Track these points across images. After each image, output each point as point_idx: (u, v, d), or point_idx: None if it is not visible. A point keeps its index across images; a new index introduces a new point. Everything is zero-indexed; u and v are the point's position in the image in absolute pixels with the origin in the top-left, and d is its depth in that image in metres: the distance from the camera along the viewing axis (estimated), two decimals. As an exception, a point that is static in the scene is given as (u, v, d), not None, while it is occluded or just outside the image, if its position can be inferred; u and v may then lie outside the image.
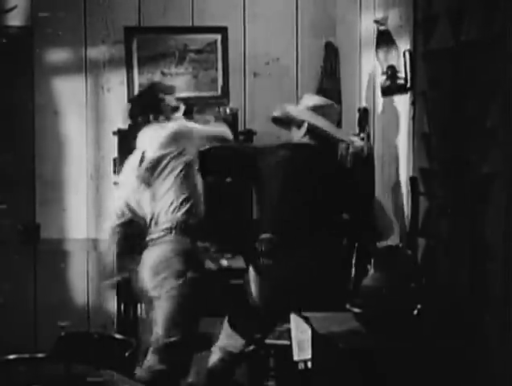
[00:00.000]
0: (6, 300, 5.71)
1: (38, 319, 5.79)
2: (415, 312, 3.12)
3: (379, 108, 4.72)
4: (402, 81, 4.14)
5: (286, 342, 4.22)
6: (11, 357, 3.69)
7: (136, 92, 5.67)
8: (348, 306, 3.29)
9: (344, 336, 3.21)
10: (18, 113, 5.76)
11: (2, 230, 5.73)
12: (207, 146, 4.63)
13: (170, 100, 4.80)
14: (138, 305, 5.38)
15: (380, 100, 4.66)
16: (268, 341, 4.47)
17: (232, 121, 5.53)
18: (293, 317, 3.93)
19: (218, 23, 5.77)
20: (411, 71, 4.02)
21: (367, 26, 4.93)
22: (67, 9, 5.74)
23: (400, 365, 3.05)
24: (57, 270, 5.80)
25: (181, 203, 4.44)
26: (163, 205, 4.45)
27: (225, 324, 4.35)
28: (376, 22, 4.51)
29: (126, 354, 3.58)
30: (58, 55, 5.80)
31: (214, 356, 4.34)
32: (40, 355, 3.71)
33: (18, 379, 3.72)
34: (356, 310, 3.25)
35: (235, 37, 5.80)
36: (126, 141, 5.24)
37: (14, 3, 5.62)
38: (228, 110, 5.58)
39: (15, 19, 5.72)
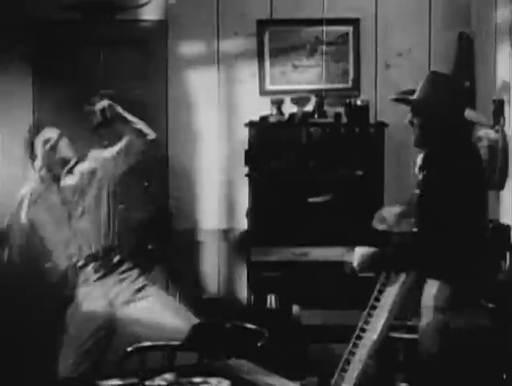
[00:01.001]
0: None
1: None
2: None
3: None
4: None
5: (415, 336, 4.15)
6: (146, 344, 3.77)
7: (268, 84, 5.71)
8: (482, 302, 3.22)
9: (471, 331, 3.14)
10: (152, 106, 5.87)
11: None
12: None
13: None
14: (268, 297, 5.42)
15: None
16: (397, 335, 4.42)
17: (362, 113, 5.51)
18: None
19: (350, 15, 5.74)
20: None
21: (503, 14, 4.80)
22: (200, 2, 5.83)
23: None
24: (189, 261, 5.89)
25: None
26: None
27: None
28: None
29: (258, 344, 3.61)
30: (191, 48, 5.88)
31: None
32: (174, 343, 3.76)
33: (152, 366, 3.79)
34: (490, 305, 3.17)
35: (367, 28, 5.76)
36: (258, 133, 5.29)
37: (148, -2, 5.73)
38: (359, 102, 5.55)
39: (150, 13, 5.84)
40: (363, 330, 3.65)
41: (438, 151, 3.69)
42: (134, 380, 3.10)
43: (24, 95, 5.87)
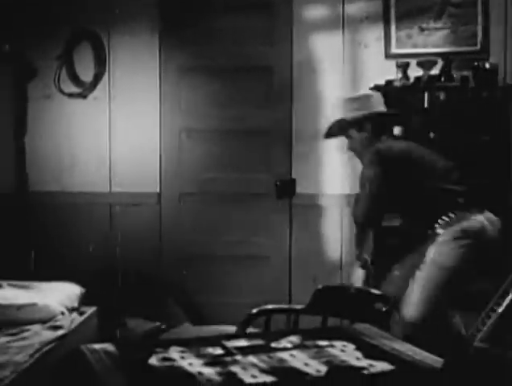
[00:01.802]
0: (266, 252, 5.94)
1: (292, 271, 5.94)
2: None
3: None
4: None
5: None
6: (270, 307, 3.81)
7: (393, 47, 5.64)
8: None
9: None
10: (277, 70, 5.89)
11: (261, 184, 5.93)
12: None
13: None
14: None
15: None
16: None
17: (491, 76, 5.38)
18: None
19: (479, -25, 5.60)
20: None
21: None
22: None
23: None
24: (311, 225, 5.92)
25: None
26: None
27: None
28: None
29: (383, 309, 3.60)
30: (316, 11, 5.85)
31: None
32: (298, 307, 3.80)
33: (276, 328, 3.84)
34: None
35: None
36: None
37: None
38: (487, 65, 5.41)
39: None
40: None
41: None
42: (260, 342, 3.15)
43: (151, 60, 5.99)
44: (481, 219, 4.40)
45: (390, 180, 4.45)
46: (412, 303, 4.31)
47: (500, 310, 3.39)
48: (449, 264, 4.31)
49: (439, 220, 4.39)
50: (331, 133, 4.89)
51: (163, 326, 5.50)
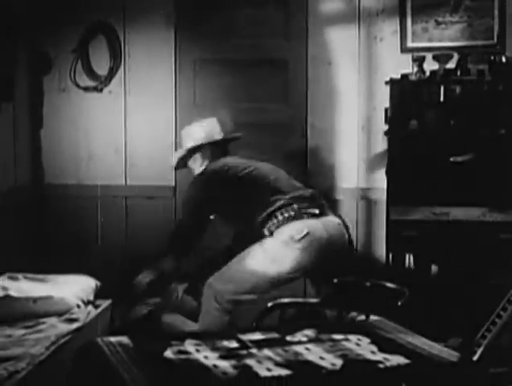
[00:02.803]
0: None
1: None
2: None
3: None
4: None
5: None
6: (286, 300, 3.82)
7: (409, 41, 5.63)
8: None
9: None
10: (292, 64, 5.88)
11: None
12: None
13: None
14: (406, 256, 5.40)
15: None
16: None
17: (507, 70, 5.36)
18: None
19: (496, -31, 5.58)
20: None
21: None
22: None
23: None
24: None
25: None
26: None
27: None
28: None
29: (399, 303, 3.60)
30: (331, 5, 5.83)
31: None
32: (313, 300, 3.81)
33: (291, 321, 3.85)
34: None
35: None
36: (398, 92, 5.22)
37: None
38: (503, 59, 5.39)
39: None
40: None
41: None
42: (275, 335, 3.15)
43: (167, 54, 6.00)
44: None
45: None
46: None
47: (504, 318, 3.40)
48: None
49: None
50: (177, 166, 5.11)
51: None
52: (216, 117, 5.01)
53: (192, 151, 4.92)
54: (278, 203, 4.48)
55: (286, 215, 4.43)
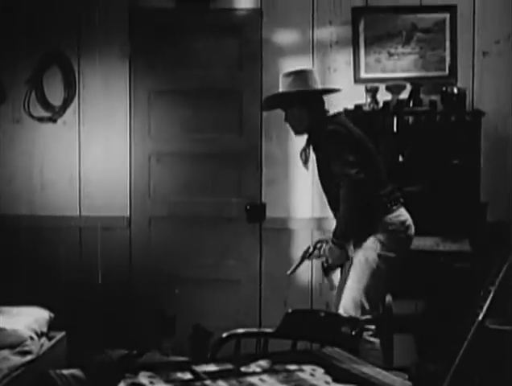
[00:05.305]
0: (233, 275, 5.94)
1: (263, 294, 5.94)
2: None
3: None
4: None
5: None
6: (240, 331, 3.79)
7: (362, 72, 5.70)
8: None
9: None
10: (246, 93, 5.91)
11: (231, 208, 5.94)
12: None
13: None
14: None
15: None
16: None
17: (459, 101, 5.43)
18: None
19: (447, 1, 5.66)
20: None
21: None
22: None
23: None
24: (281, 248, 5.92)
25: None
26: None
27: None
28: None
29: (353, 332, 3.61)
30: (286, 35, 5.89)
31: None
32: (267, 330, 3.79)
33: (244, 352, 3.83)
34: None
35: (464, 15, 5.68)
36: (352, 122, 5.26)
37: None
38: (455, 90, 5.47)
39: (244, 1, 5.89)
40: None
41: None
42: (230, 366, 3.13)
43: (121, 85, 6.00)
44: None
45: None
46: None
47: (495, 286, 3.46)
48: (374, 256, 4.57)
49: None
50: (269, 105, 5.04)
51: (135, 352, 5.46)
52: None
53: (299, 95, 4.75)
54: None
55: None
